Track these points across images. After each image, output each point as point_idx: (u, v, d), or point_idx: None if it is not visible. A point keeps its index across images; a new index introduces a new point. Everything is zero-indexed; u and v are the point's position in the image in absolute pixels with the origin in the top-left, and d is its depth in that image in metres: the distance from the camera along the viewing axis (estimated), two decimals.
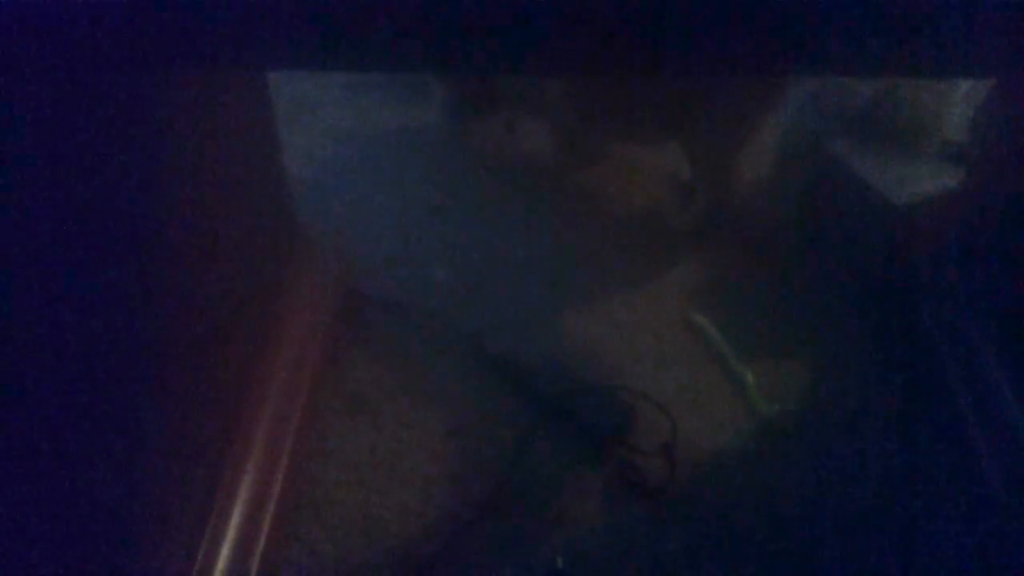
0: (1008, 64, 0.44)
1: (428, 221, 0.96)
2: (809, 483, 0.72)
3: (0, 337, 0.45)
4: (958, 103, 0.91)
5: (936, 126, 0.91)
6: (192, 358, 0.63)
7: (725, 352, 0.83)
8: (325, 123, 1.08)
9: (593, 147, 1.02)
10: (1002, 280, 0.74)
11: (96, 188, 0.50)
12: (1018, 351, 0.71)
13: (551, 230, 0.95)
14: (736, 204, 0.94)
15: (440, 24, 0.39)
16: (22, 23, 0.39)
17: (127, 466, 0.56)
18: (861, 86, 0.94)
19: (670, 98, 0.86)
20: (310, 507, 0.71)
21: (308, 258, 0.82)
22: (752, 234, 0.93)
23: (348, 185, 1.00)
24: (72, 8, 0.38)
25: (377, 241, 0.93)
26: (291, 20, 0.39)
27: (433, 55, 0.42)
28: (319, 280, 0.82)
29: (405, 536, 0.69)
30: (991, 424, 0.71)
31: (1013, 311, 0.72)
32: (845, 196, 0.90)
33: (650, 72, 0.62)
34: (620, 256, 0.93)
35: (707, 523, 0.70)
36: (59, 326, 0.49)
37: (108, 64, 0.42)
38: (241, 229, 0.69)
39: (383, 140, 1.06)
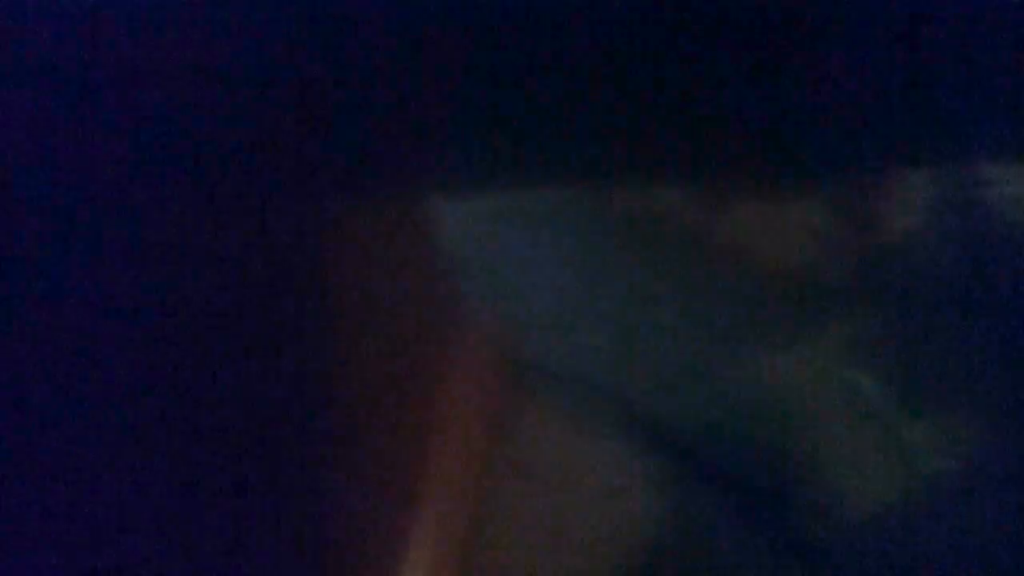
0: None
1: (578, 287, 0.99)
2: (968, 548, 0.71)
3: None
4: None
5: None
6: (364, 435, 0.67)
7: (885, 407, 0.82)
8: None
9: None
10: None
11: None
12: None
13: (698, 290, 0.97)
14: (888, 252, 0.93)
15: None
16: None
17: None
18: None
19: None
20: (480, 569, 0.74)
21: (468, 326, 0.86)
22: (908, 285, 0.92)
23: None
24: None
25: (530, 307, 0.96)
26: None
27: None
28: (479, 347, 0.86)
29: None
30: None
31: None
32: (1001, 243, 0.88)
33: None
34: (774, 313, 0.93)
35: None
36: None
37: None
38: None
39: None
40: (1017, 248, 0.86)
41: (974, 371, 0.82)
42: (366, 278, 0.72)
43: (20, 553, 0.56)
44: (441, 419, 0.79)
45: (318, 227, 0.68)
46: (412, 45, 0.65)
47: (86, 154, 0.57)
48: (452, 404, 0.80)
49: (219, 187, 0.60)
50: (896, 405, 0.80)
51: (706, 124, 0.75)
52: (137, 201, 0.58)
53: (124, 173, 0.58)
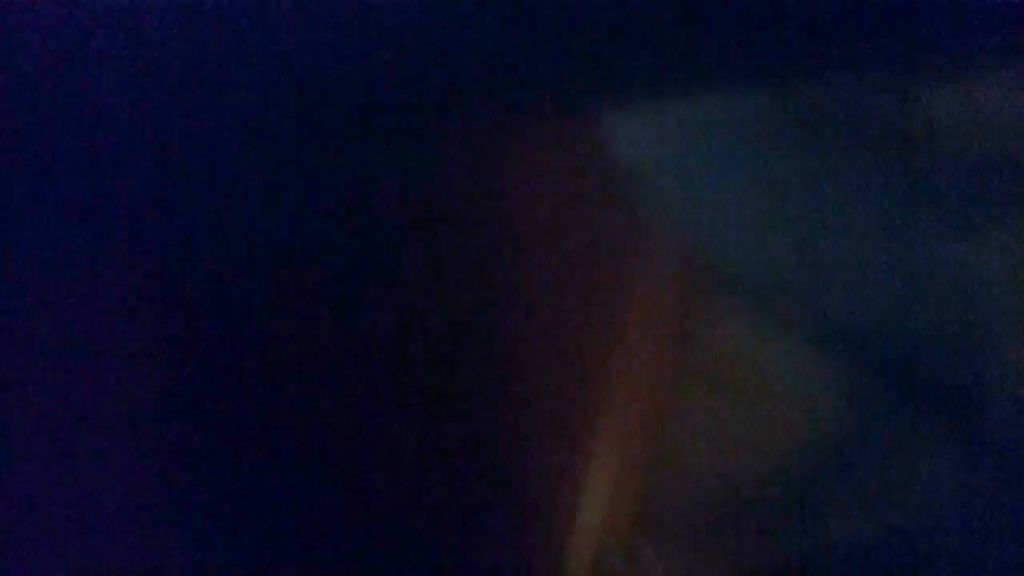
0: None
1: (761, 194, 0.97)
2: None
3: None
4: None
5: None
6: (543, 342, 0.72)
7: None
8: None
9: None
10: None
11: None
12: None
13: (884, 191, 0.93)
14: None
15: None
16: None
17: None
18: None
19: None
20: (660, 465, 0.79)
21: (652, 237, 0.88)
22: None
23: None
24: None
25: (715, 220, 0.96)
26: None
27: None
28: (665, 257, 0.87)
29: (749, 491, 0.75)
30: None
31: None
32: None
33: None
34: (964, 211, 0.89)
35: None
36: None
37: None
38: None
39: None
40: None
41: None
42: (548, 196, 0.75)
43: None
44: (627, 332, 0.82)
45: (492, 148, 0.71)
46: None
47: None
48: (638, 316, 0.83)
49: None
50: None
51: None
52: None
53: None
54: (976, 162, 0.88)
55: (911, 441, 0.75)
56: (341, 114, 0.61)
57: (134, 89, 0.56)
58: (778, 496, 0.75)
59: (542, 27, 0.67)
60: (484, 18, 0.64)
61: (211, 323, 0.60)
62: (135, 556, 0.58)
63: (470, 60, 0.65)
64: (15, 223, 0.56)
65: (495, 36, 0.64)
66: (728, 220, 0.85)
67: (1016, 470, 0.71)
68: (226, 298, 0.60)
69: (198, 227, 0.58)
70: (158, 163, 0.57)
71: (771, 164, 0.98)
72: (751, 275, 0.87)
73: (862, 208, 0.84)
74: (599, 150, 0.82)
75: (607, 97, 0.81)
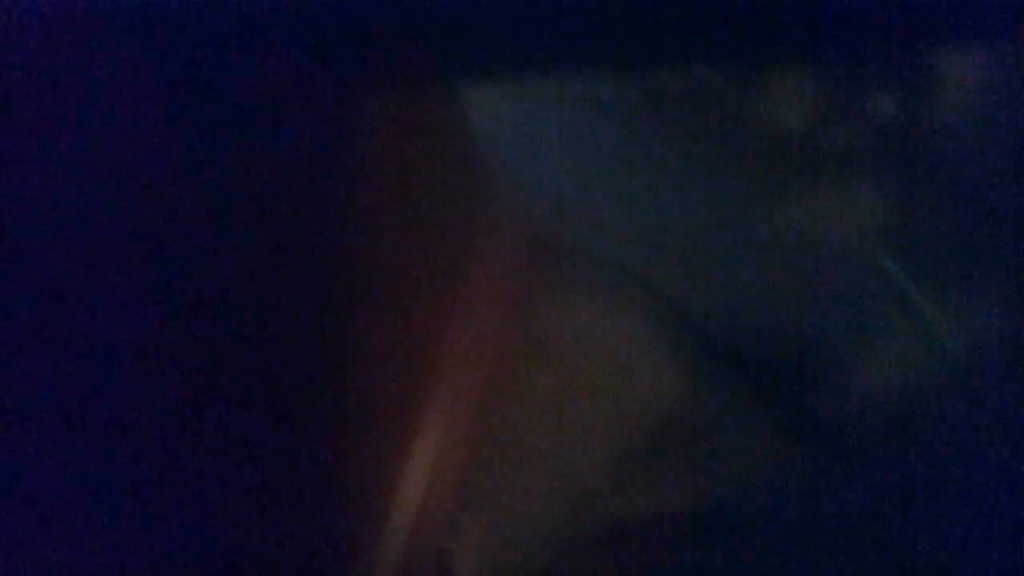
0: None
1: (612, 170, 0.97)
2: (980, 423, 0.71)
3: None
4: None
5: None
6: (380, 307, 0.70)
7: (911, 290, 0.81)
8: None
9: None
10: None
11: None
12: None
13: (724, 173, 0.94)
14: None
15: None
16: None
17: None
18: None
19: None
20: (495, 440, 0.77)
21: (494, 204, 0.87)
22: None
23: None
24: None
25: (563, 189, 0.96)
26: None
27: None
28: (506, 225, 0.86)
29: (581, 467, 0.74)
30: None
31: None
32: None
33: None
34: (798, 193, 0.91)
35: (878, 467, 0.70)
36: None
37: None
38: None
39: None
40: None
41: (995, 252, 0.79)
42: (393, 165, 0.73)
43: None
44: (467, 297, 0.81)
45: (342, 112, 0.69)
46: None
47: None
48: (478, 282, 0.81)
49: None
50: (916, 286, 0.78)
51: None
52: None
53: None
54: (811, 150, 0.92)
55: (745, 416, 0.75)
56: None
57: None
58: (611, 469, 0.74)
59: None
60: None
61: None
62: None
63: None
64: None
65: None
66: (576, 196, 0.85)
67: (842, 447, 0.73)
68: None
69: None
70: None
71: (622, 143, 0.99)
72: (597, 250, 0.87)
73: (708, 189, 0.85)
74: (444, 121, 0.81)
75: (455, 68, 0.80)
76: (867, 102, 0.77)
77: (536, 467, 0.75)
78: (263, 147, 0.65)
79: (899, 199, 0.78)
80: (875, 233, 0.83)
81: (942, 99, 0.83)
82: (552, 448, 0.76)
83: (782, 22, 0.83)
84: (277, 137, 0.67)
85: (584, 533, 0.71)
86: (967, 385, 0.72)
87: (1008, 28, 0.75)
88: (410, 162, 0.76)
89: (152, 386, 0.62)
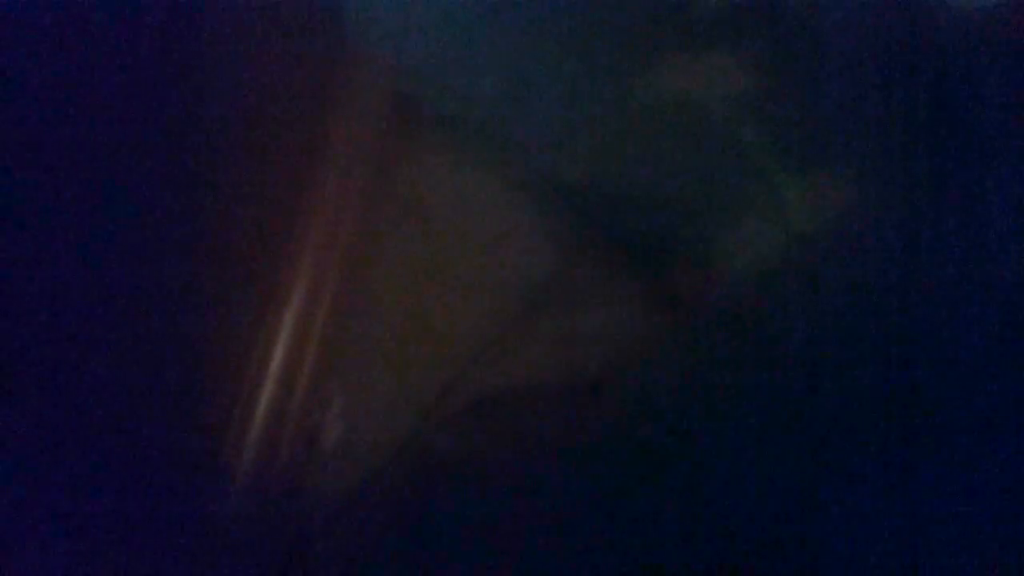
0: None
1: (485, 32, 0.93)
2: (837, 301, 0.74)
3: None
4: None
5: None
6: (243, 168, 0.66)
7: (765, 165, 0.81)
8: None
9: None
10: None
11: None
12: None
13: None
14: None
15: None
16: None
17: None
18: None
19: None
20: (358, 306, 0.75)
21: (359, 64, 0.83)
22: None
23: None
24: None
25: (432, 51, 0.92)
26: None
27: None
28: (371, 86, 0.82)
29: (450, 336, 0.74)
30: None
31: None
32: None
33: None
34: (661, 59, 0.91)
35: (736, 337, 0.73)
36: None
37: None
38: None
39: None
40: None
41: (855, 132, 0.82)
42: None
43: None
44: (332, 156, 0.77)
45: None
46: None
47: None
48: (344, 140, 0.78)
49: None
50: (775, 161, 0.80)
51: None
52: None
53: None
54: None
55: (614, 289, 0.76)
56: None
57: None
58: (479, 338, 0.74)
59: None
60: None
61: None
62: None
63: None
64: None
65: None
66: (439, 57, 0.82)
67: (707, 320, 0.75)
68: None
69: None
70: None
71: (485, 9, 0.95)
72: (457, 113, 0.85)
73: (569, 55, 0.84)
74: None
75: None
76: None
77: (403, 336, 0.74)
78: None
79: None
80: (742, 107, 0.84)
81: None
82: (420, 317, 0.75)
83: None
84: None
85: (451, 403, 0.71)
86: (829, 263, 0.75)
87: None
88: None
89: None
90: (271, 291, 0.69)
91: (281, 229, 0.71)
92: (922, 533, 0.68)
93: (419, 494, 0.70)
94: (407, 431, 0.70)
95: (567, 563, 0.69)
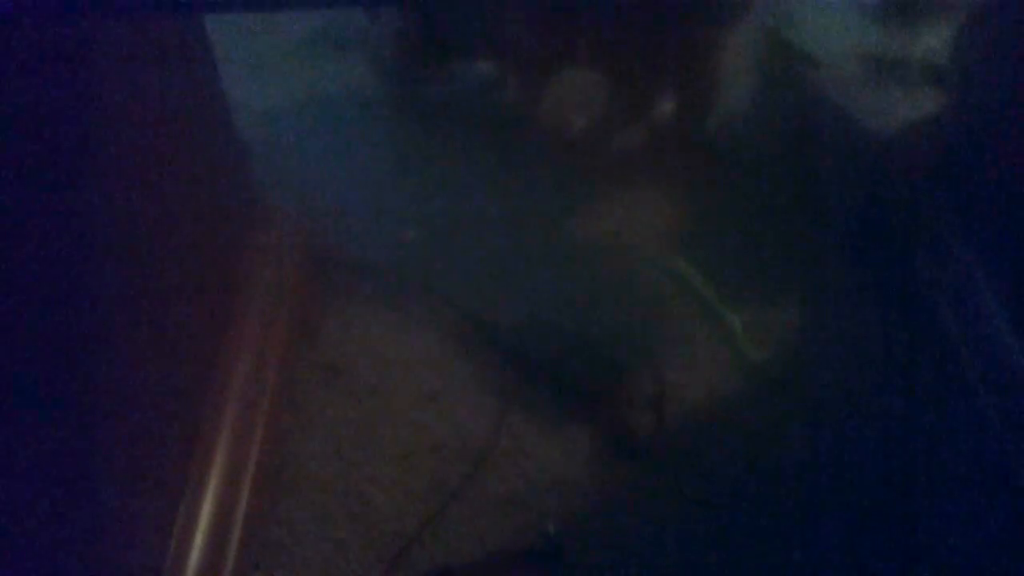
0: None
1: (393, 179, 0.92)
2: (801, 432, 0.70)
3: None
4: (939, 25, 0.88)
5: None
6: (151, 340, 0.59)
7: (710, 297, 0.80)
8: (282, 83, 1.03)
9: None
10: (990, 205, 0.71)
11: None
12: (1007, 270, 0.69)
13: (517, 178, 0.91)
14: (712, 131, 0.91)
15: None
16: None
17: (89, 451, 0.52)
18: None
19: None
20: (289, 483, 0.68)
21: (270, 224, 0.78)
22: (732, 168, 0.90)
23: (311, 147, 0.94)
24: None
25: (343, 202, 0.89)
26: None
27: None
28: (283, 246, 0.78)
29: (389, 509, 0.66)
30: (988, 362, 0.69)
31: (1000, 230, 0.70)
32: (826, 125, 0.87)
33: None
34: (591, 201, 0.89)
35: (697, 477, 0.68)
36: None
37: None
38: (191, 197, 0.65)
39: (340, 99, 1.01)
40: (833, 131, 0.85)
41: (799, 259, 0.81)
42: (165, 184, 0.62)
43: None
44: (244, 320, 0.71)
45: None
46: None
47: None
48: (256, 304, 0.72)
49: None
50: (719, 297, 0.78)
51: None
52: None
53: None
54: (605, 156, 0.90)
55: (544, 433, 0.71)
56: None
57: None
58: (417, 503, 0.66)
59: None
60: None
61: None
62: None
63: None
64: None
65: None
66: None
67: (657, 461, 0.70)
68: None
69: None
70: None
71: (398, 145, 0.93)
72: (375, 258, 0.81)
73: (494, 196, 0.81)
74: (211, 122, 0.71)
75: None
76: None
77: (332, 508, 0.66)
78: None
79: None
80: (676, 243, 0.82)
81: None
82: (348, 485, 0.68)
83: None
84: None
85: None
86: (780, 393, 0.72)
87: None
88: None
89: None
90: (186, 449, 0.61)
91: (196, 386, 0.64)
92: None
93: None
94: None
95: None
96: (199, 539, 0.61)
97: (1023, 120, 0.65)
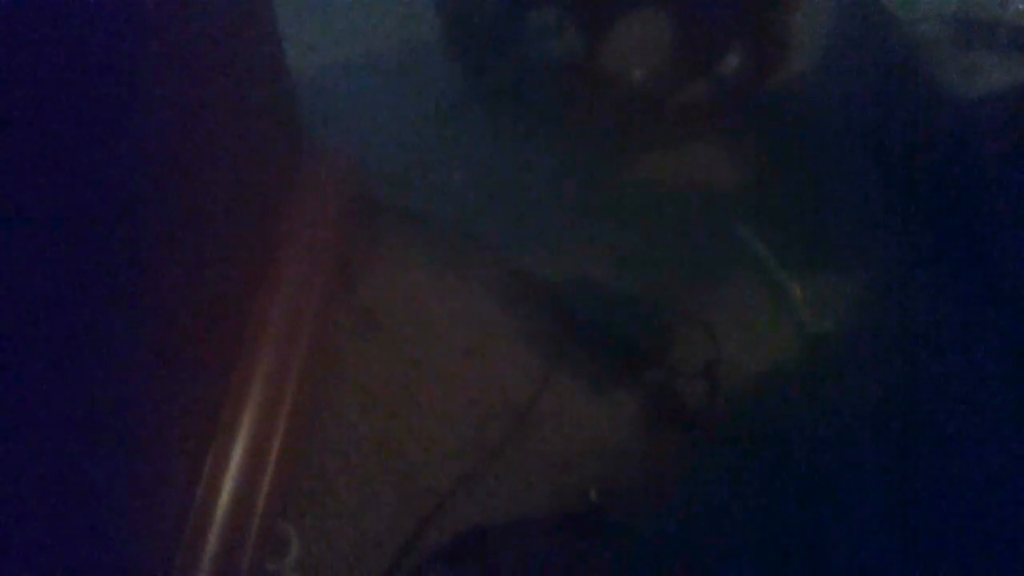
0: None
1: (443, 125, 0.88)
2: (858, 404, 0.66)
3: None
4: None
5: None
6: (193, 275, 0.56)
7: (770, 265, 0.76)
8: (336, 23, 1.00)
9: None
10: None
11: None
12: None
13: (573, 128, 0.87)
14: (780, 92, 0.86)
15: None
16: None
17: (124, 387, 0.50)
18: None
19: None
20: (322, 435, 0.65)
21: (316, 164, 0.75)
22: (799, 132, 0.85)
23: (360, 88, 0.91)
24: None
25: (391, 146, 0.86)
26: None
27: None
28: (328, 189, 0.75)
29: (424, 465, 0.64)
30: None
31: None
32: (906, 86, 0.82)
33: None
34: (649, 158, 0.85)
35: (751, 448, 0.65)
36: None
37: None
38: (239, 130, 0.62)
39: (396, 43, 0.97)
40: (913, 92, 0.80)
41: (863, 227, 0.76)
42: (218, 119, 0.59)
43: None
44: (282, 259, 0.68)
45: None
46: None
47: None
48: (297, 242, 0.69)
49: None
50: (781, 264, 0.74)
51: None
52: None
53: None
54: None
55: (591, 397, 0.68)
56: None
57: None
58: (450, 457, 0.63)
59: None
60: None
61: None
62: None
63: None
64: None
65: None
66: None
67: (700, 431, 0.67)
68: None
69: None
70: None
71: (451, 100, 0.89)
72: (426, 207, 0.77)
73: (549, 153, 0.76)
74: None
75: None
76: None
77: (367, 460, 0.64)
78: None
79: None
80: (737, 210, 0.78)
81: None
82: (384, 437, 0.65)
83: None
84: None
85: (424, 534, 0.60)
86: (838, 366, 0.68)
87: None
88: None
89: None
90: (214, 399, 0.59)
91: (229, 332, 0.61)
92: None
93: None
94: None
95: None
96: (228, 483, 0.59)
97: None
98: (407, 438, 0.65)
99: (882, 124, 0.82)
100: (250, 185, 0.63)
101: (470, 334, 0.71)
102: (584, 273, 0.74)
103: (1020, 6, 0.84)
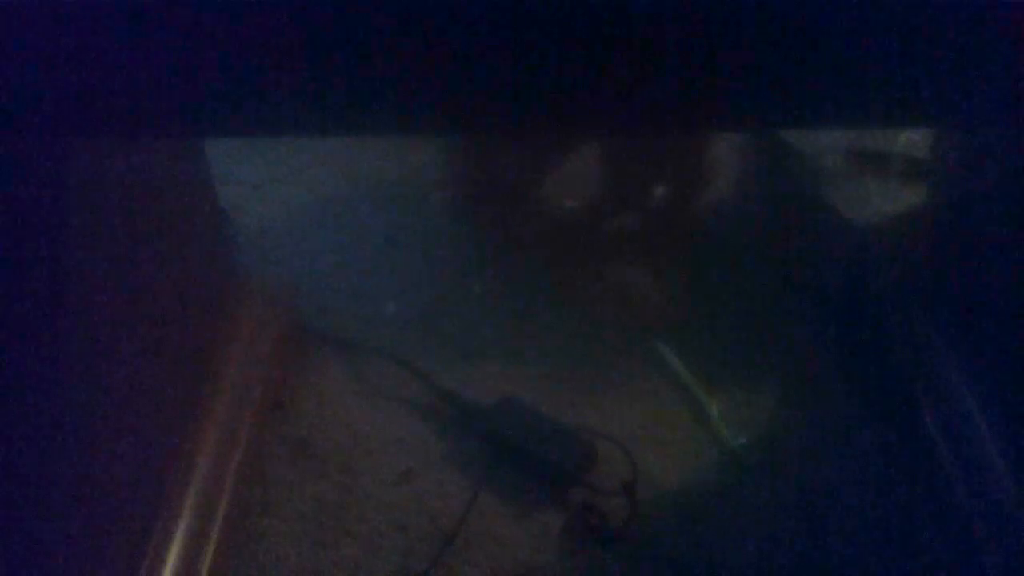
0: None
1: (377, 255, 0.93)
2: (778, 518, 0.69)
3: None
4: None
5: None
6: (123, 408, 0.59)
7: (688, 381, 0.79)
8: (281, 165, 1.05)
9: None
10: (968, 295, 0.71)
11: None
12: (986, 365, 0.69)
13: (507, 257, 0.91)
14: (698, 214, 0.92)
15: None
16: None
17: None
18: None
19: None
20: (252, 563, 0.66)
21: (251, 301, 0.78)
22: (718, 253, 0.91)
23: (301, 225, 0.97)
24: None
25: (329, 280, 0.90)
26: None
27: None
28: (263, 325, 0.78)
29: None
30: (961, 447, 0.68)
31: (980, 325, 0.70)
32: (808, 215, 0.88)
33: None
34: (578, 281, 0.90)
35: (671, 565, 0.66)
36: None
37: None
38: (167, 265, 0.66)
39: (341, 182, 1.03)
40: (815, 222, 0.86)
41: (777, 346, 0.81)
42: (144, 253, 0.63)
43: None
44: (213, 390, 0.70)
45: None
46: None
47: None
48: (234, 378, 0.71)
49: None
50: (697, 380, 0.77)
51: None
52: None
53: None
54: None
55: (518, 516, 0.70)
56: None
57: None
58: None
59: None
60: None
61: None
62: None
63: None
64: None
65: None
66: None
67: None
68: None
69: None
70: None
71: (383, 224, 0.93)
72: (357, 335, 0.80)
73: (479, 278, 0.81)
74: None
75: None
76: None
77: None
78: None
79: None
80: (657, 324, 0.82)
81: None
82: (315, 567, 0.66)
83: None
84: None
85: None
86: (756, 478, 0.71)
87: None
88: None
89: None
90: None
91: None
92: None
93: None
94: None
95: None
96: None
97: (1003, 220, 0.65)
98: (335, 567, 0.66)
99: (790, 250, 0.87)
100: (176, 325, 0.66)
101: (401, 458, 0.73)
102: (511, 396, 0.77)
103: (912, 136, 0.91)
